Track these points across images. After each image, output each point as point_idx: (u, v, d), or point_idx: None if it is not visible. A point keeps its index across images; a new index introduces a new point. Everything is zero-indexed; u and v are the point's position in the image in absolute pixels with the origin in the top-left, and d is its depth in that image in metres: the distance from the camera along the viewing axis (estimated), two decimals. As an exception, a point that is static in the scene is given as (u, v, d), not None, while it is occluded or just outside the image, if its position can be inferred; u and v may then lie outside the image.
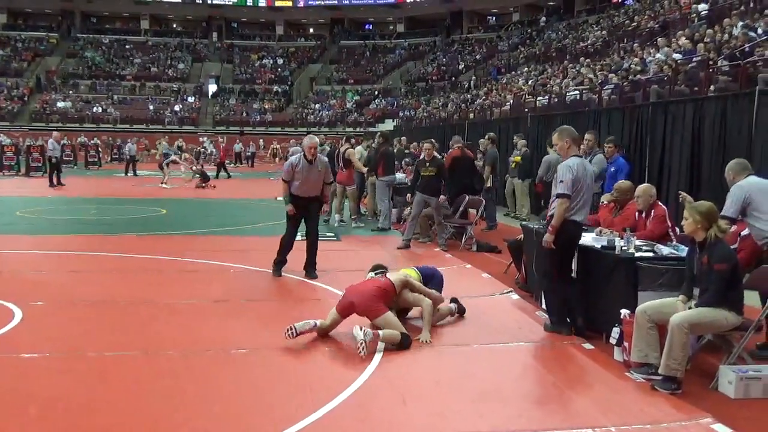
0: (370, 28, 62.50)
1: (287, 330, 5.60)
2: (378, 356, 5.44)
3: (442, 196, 10.84)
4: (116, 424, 4.13)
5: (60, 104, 49.69)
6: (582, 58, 24.23)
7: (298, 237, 8.68)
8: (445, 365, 5.42)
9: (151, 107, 50.78)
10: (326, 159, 8.93)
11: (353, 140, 14.59)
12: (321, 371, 5.20)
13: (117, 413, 4.29)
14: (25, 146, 31.27)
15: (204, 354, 5.48)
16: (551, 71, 26.93)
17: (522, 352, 5.79)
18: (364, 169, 13.70)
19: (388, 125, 42.46)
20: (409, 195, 11.24)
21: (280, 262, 8.53)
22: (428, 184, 10.80)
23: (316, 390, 4.72)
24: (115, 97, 51.55)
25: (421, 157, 11.21)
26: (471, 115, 25.86)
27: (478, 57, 48.24)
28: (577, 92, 17.46)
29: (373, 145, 14.25)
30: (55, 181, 22.44)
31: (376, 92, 51.84)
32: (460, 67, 48.31)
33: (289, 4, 59.36)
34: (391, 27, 61.06)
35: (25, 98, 49.91)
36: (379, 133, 15.11)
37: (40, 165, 28.74)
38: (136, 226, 13.49)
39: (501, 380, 5.07)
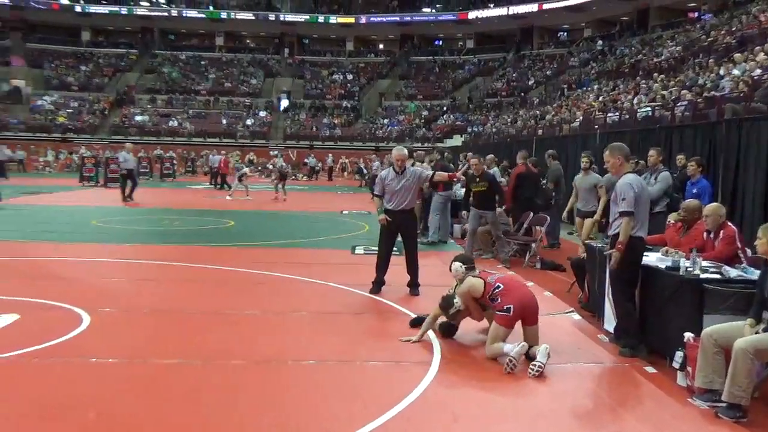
0: (440, 44, 62.60)
1: (508, 363, 5.48)
2: (433, 371, 5.40)
3: (498, 209, 10.75)
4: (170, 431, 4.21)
5: (138, 118, 51.42)
6: (655, 74, 23.68)
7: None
8: (500, 384, 5.33)
9: (224, 121, 51.99)
10: (419, 170, 8.81)
11: (415, 154, 14.60)
12: (375, 384, 5.19)
13: (172, 421, 4.38)
14: (104, 158, 32.46)
15: (260, 365, 5.54)
16: (623, 87, 26.42)
17: (580, 374, 5.65)
18: (426, 183, 13.69)
19: (456, 141, 42.39)
20: (464, 212, 11.20)
21: (377, 282, 8.33)
22: (481, 199, 10.72)
23: (368, 403, 4.72)
24: (190, 111, 53.01)
25: (470, 172, 11.06)
26: (539, 131, 25.57)
27: (548, 73, 47.75)
28: (649, 109, 17.06)
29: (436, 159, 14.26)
30: (127, 192, 21.35)
31: (445, 108, 51.85)
32: (530, 83, 47.90)
33: (362, 20, 59.98)
34: (461, 43, 61.03)
35: (106, 112, 51.82)
36: (436, 150, 15.13)
37: (117, 176, 29.73)
38: (204, 237, 13.82)
39: (557, 402, 4.95)
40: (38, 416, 4.40)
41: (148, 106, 53.59)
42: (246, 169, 26.17)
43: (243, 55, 61.42)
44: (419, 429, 4.42)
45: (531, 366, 5.43)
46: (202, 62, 59.85)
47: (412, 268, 8.43)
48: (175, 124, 50.75)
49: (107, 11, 59.19)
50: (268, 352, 5.89)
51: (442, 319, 6.35)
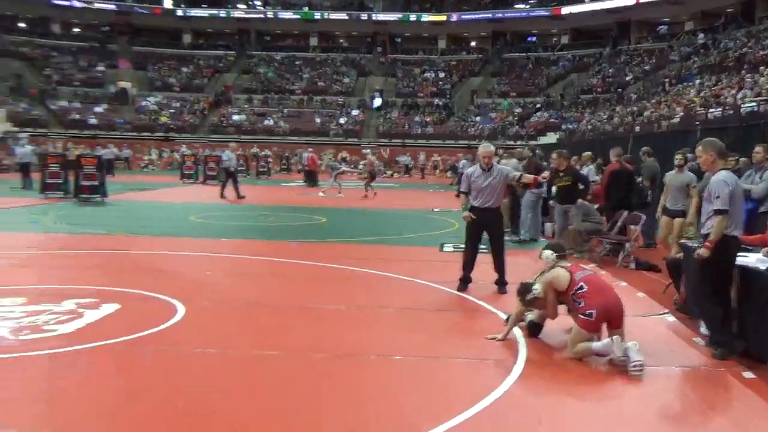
0: (533, 40, 61.61)
1: (634, 368, 5.33)
2: (517, 371, 5.34)
3: (579, 200, 10.51)
4: (254, 420, 4.33)
5: (235, 117, 52.98)
6: (762, 68, 22.56)
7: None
8: (587, 385, 5.22)
9: (318, 120, 52.88)
10: (507, 168, 8.73)
11: (500, 152, 14.44)
12: (459, 381, 5.17)
13: (258, 409, 4.51)
14: (203, 156, 33.61)
15: (345, 358, 5.62)
16: (726, 82, 25.30)
17: (671, 378, 5.46)
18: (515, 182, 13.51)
19: (550, 138, 41.66)
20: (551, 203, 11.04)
21: (463, 280, 8.30)
22: (565, 194, 10.51)
23: (451, 400, 4.71)
24: (285, 110, 54.17)
25: (552, 166, 10.83)
26: (636, 128, 24.81)
27: (646, 68, 46.24)
28: (755, 104, 16.29)
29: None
30: (225, 192, 21.76)
31: (538, 105, 51.02)
32: (627, 79, 46.51)
33: (454, 18, 59.77)
34: (555, 39, 59.89)
35: (205, 112, 53.65)
36: (527, 147, 14.91)
37: (215, 174, 30.76)
38: (296, 233, 14.10)
39: (644, 406, 4.80)
40: (132, 401, 4.61)
41: (245, 106, 55.12)
42: (342, 167, 26.57)
43: (336, 55, 62.31)
44: (501, 428, 4.38)
45: (632, 366, 5.29)
46: (297, 62, 61.04)
47: (499, 266, 8.35)
48: (271, 122, 51.99)
49: (207, 14, 61.35)
50: (353, 346, 5.96)
51: (531, 315, 6.27)
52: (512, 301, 6.63)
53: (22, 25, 59.68)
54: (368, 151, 44.37)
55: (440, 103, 55.27)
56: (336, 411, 4.52)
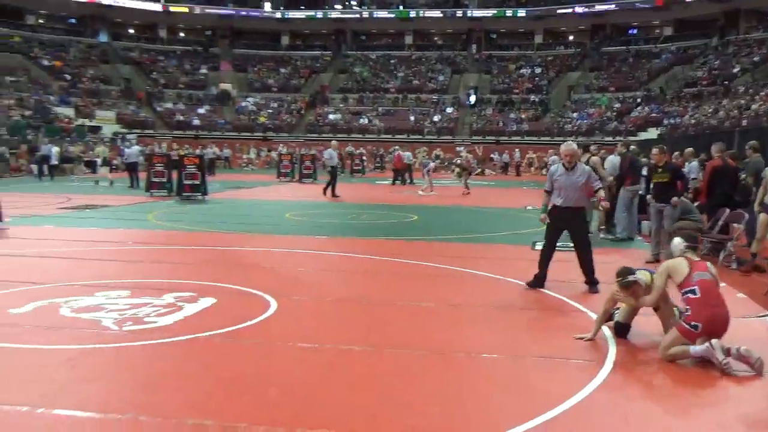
0: (634, 33, 59.69)
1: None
2: (605, 371, 5.23)
3: (674, 198, 10.12)
4: (339, 413, 4.42)
5: (331, 116, 53.85)
6: None
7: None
8: (678, 388, 5.05)
9: (412, 118, 53.04)
10: (588, 167, 8.55)
11: (593, 148, 14.08)
12: (545, 380, 5.11)
13: (347, 401, 4.60)
14: (299, 155, 34.36)
15: (432, 354, 5.65)
16: None
17: (771, 383, 5.22)
18: (610, 179, 13.16)
19: (651, 134, 40.32)
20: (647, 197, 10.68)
21: (537, 277, 8.19)
22: (662, 191, 10.14)
23: (535, 399, 4.66)
24: (380, 108, 54.61)
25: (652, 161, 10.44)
26: (743, 122, 23.69)
27: (756, 59, 44.01)
28: None
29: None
30: (328, 193, 21.94)
31: (638, 99, 49.41)
32: (735, 71, 44.41)
33: (550, 12, 58.70)
34: (657, 30, 57.85)
35: (302, 111, 54.78)
36: (621, 142, 14.48)
37: (310, 173, 31.42)
38: (388, 230, 14.23)
39: (740, 411, 4.61)
40: (225, 390, 4.79)
41: (341, 105, 55.94)
42: (432, 164, 26.63)
43: (431, 53, 62.35)
44: (587, 428, 4.31)
45: (754, 362, 5.14)
46: (392, 61, 61.43)
47: (586, 266, 8.17)
48: (366, 121, 52.54)
49: (304, 16, 62.62)
50: (441, 343, 5.98)
51: (617, 316, 6.12)
52: (599, 301, 6.51)
53: (131, 31, 62.68)
54: (462, 148, 44.28)
55: (536, 99, 54.39)
56: (422, 406, 4.56)
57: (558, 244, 8.26)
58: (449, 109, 54.54)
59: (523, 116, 52.13)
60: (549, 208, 8.25)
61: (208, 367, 5.33)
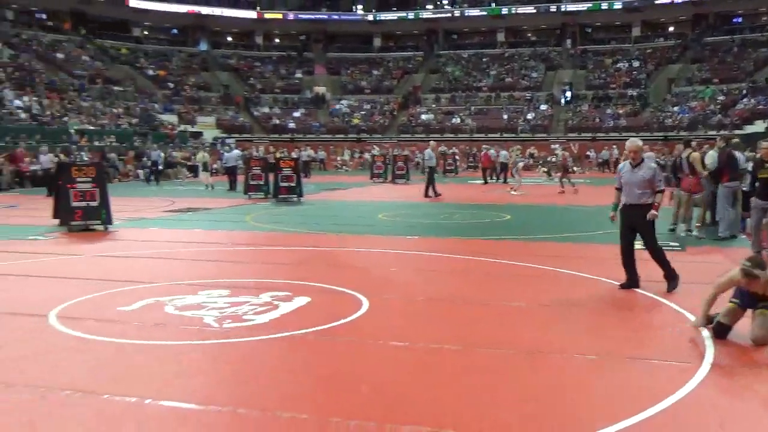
0: (739, 21, 56.99)
1: None
2: (702, 373, 5.09)
3: None
4: (428, 410, 4.49)
5: (424, 117, 53.97)
6: None
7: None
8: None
9: (505, 116, 52.50)
10: (654, 165, 8.30)
11: (694, 143, 13.58)
12: (638, 382, 5.01)
13: (434, 398, 4.67)
14: (392, 156, 34.62)
15: (522, 354, 5.64)
16: None
17: None
18: (705, 173, 12.67)
19: (758, 127, 38.50)
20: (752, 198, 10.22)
21: (629, 279, 8.05)
22: (766, 187, 9.69)
23: (627, 400, 4.59)
24: (472, 107, 54.33)
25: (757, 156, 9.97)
26: None
27: None
28: None
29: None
30: (431, 192, 21.98)
31: (744, 91, 47.16)
32: None
33: (650, 2, 56.83)
34: (765, 18, 55.03)
35: (394, 112, 55.15)
36: (719, 137, 13.88)
37: (403, 173, 31.62)
38: (480, 230, 14.20)
39: None
40: (319, 386, 4.96)
41: (433, 105, 55.98)
42: (521, 163, 26.34)
43: (524, 50, 61.54)
44: (681, 429, 4.22)
45: None
46: (484, 59, 61.00)
47: (660, 264, 7.96)
48: (458, 121, 52.38)
49: (396, 17, 62.99)
50: (532, 343, 5.96)
51: (719, 316, 5.94)
52: (698, 301, 6.33)
53: (229, 39, 64.79)
54: (557, 146, 43.48)
55: (634, 93, 52.76)
56: (511, 404, 4.58)
57: (639, 245, 8.05)
58: (543, 107, 53.67)
59: (620, 111, 50.68)
60: (619, 206, 8.15)
61: (302, 363, 5.52)
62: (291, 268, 9.74)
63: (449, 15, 62.70)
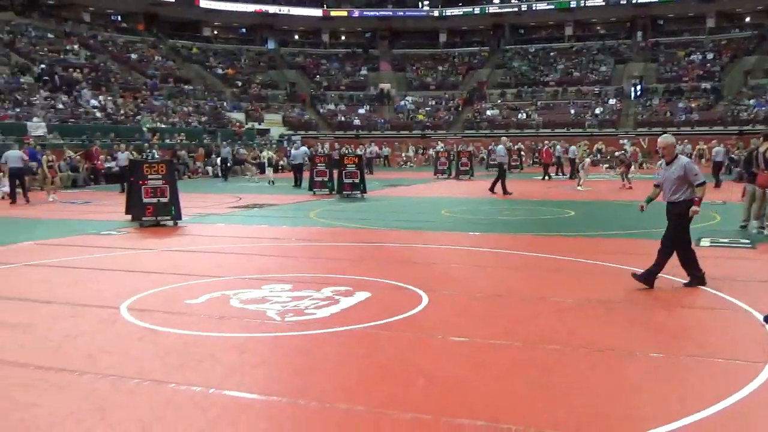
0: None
1: None
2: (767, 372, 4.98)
3: None
4: (484, 404, 4.53)
5: (489, 112, 53.60)
6: None
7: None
8: None
9: (572, 111, 51.68)
10: (686, 161, 8.04)
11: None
12: (698, 380, 4.95)
13: (487, 396, 4.70)
14: (456, 152, 34.53)
15: (577, 350, 5.62)
16: None
17: None
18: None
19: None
20: None
21: (694, 277, 7.92)
22: None
23: (687, 399, 4.54)
24: (539, 103, 53.68)
25: None
26: None
27: None
28: None
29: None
30: (498, 189, 21.43)
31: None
32: None
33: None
34: None
35: (459, 108, 54.94)
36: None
37: (467, 169, 31.50)
38: (543, 226, 14.09)
39: None
40: (375, 379, 5.06)
41: (498, 101, 55.52)
42: (588, 159, 25.93)
43: (592, 43, 60.46)
44: (742, 429, 4.15)
45: None
46: (551, 53, 60.18)
47: (658, 257, 7.88)
48: (524, 116, 51.83)
49: (462, 12, 62.67)
50: (589, 339, 5.93)
51: None
52: (746, 297, 6.19)
53: (296, 37, 65.68)
54: (626, 141, 42.56)
55: (707, 86, 51.18)
56: (567, 400, 4.57)
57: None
58: (612, 101, 52.60)
59: (693, 105, 49.26)
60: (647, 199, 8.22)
61: (360, 356, 5.63)
62: (352, 264, 9.89)
63: (516, 9, 61.98)
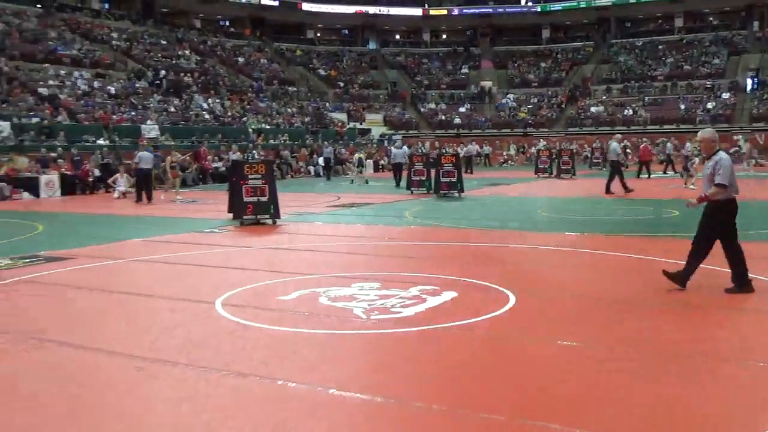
0: None
1: None
2: None
3: None
4: (561, 409, 4.46)
5: (593, 109, 52.19)
6: None
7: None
8: None
9: (682, 106, 49.62)
10: (719, 157, 7.58)
11: None
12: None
13: (565, 400, 4.62)
14: (558, 150, 33.85)
15: (664, 355, 5.45)
16: None
17: None
18: None
19: None
20: None
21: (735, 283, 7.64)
22: None
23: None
24: (646, 98, 51.84)
25: None
26: None
27: None
28: None
29: None
30: (617, 188, 20.72)
31: None
32: None
33: None
34: None
35: (562, 105, 53.78)
36: None
37: (569, 168, 30.84)
38: (643, 226, 13.69)
39: None
40: (453, 379, 5.09)
41: (603, 97, 53.98)
42: (697, 159, 24.83)
43: (704, 35, 57.77)
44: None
45: None
46: (660, 47, 57.96)
47: (688, 258, 7.62)
48: (630, 112, 50.19)
49: (565, 6, 61.33)
50: (677, 343, 5.74)
51: None
52: None
53: (397, 37, 66.16)
54: (740, 137, 40.56)
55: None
56: (652, 407, 4.43)
57: None
58: (725, 95, 50.11)
59: (815, 98, 46.37)
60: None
61: (441, 355, 5.66)
62: (443, 263, 9.93)
63: (622, 2, 60.02)
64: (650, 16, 61.51)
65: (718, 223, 7.56)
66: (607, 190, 20.88)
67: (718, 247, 7.59)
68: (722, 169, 7.44)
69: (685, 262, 7.65)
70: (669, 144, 32.76)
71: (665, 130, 44.64)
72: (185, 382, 5.02)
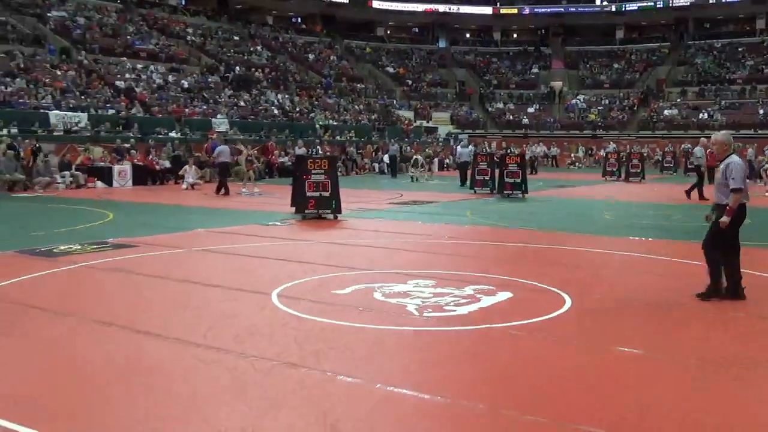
0: None
1: None
2: None
3: None
4: (605, 415, 4.40)
5: (666, 112, 50.82)
6: None
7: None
8: None
9: (761, 111, 47.85)
10: (730, 161, 7.30)
11: None
12: None
13: (610, 405, 4.56)
14: (627, 153, 33.09)
15: (712, 364, 5.33)
16: None
17: None
18: None
19: None
20: None
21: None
22: None
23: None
24: (723, 102, 50.19)
25: None
26: None
27: None
28: None
29: None
30: (694, 193, 20.25)
31: None
32: None
33: None
34: None
35: (634, 107, 52.54)
36: None
37: (638, 171, 30.15)
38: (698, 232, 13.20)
39: None
40: (501, 379, 5.07)
41: (678, 100, 52.52)
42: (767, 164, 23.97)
43: (787, 37, 55.61)
44: None
45: None
46: (739, 49, 56.00)
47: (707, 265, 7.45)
48: (705, 116, 48.68)
49: (640, 7, 59.86)
50: (732, 353, 5.58)
51: None
52: None
53: (467, 35, 65.83)
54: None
55: None
56: (700, 417, 4.34)
57: None
58: (810, 100, 48.17)
59: None
60: None
61: (491, 355, 5.65)
62: (500, 264, 9.87)
63: (702, 2, 58.20)
64: (731, 17, 59.48)
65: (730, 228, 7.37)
66: (700, 196, 20.07)
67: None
68: (734, 173, 7.22)
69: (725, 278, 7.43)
70: (751, 150, 31.56)
71: (742, 135, 43.05)
72: (235, 370, 5.13)
